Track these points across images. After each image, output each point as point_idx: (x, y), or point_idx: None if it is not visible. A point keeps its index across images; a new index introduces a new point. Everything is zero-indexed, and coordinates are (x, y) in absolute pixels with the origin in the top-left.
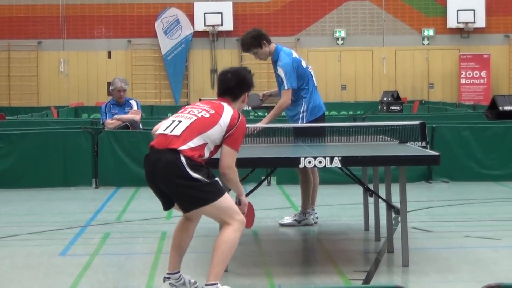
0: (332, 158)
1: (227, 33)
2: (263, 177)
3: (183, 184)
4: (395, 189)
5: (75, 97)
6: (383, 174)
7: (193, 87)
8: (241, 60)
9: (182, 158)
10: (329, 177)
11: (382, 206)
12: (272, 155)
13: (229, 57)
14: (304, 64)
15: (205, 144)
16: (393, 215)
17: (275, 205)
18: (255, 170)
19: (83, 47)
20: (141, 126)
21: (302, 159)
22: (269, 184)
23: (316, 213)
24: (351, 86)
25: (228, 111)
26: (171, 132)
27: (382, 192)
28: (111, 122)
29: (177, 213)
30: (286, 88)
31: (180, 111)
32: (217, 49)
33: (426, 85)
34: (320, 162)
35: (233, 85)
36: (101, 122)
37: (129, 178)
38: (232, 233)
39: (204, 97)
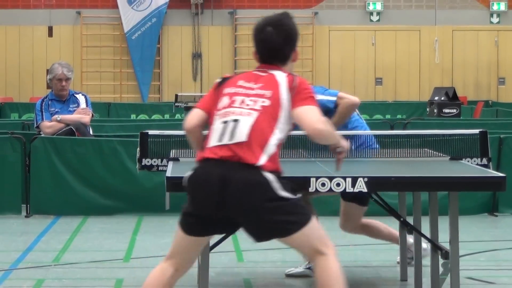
0: (355, 180)
1: (216, 4)
2: None
3: (268, 207)
4: (444, 224)
5: (1, 90)
6: (427, 203)
7: (167, 78)
8: (236, 41)
9: (265, 174)
10: None
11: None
12: None
13: (218, 36)
14: None
15: (279, 144)
16: (441, 260)
17: (277, 244)
18: None
19: (13, 19)
20: (91, 132)
21: (313, 180)
22: None
23: None
24: (390, 80)
25: (282, 78)
26: (230, 139)
27: (425, 228)
28: (49, 125)
29: (137, 254)
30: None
31: (225, 104)
32: (202, 25)
33: (495, 79)
34: (338, 184)
35: (280, 42)
36: (35, 125)
37: (73, 204)
38: (335, 265)
39: (183, 92)
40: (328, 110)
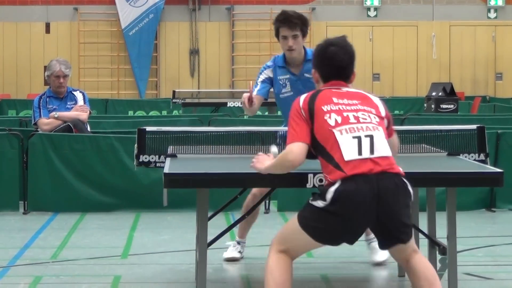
0: None
1: (213, 0)
2: (258, 201)
3: (408, 212)
4: (442, 220)
5: None
6: (424, 199)
7: (164, 75)
8: (233, 37)
9: (404, 179)
10: None
11: (423, 243)
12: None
13: (216, 32)
14: None
15: None
16: (438, 256)
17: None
18: (245, 191)
19: (11, 16)
20: (89, 128)
21: (310, 176)
22: (267, 211)
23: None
24: (387, 76)
25: (376, 100)
26: (372, 154)
27: (423, 223)
28: (47, 122)
29: (135, 250)
30: None
31: (339, 120)
32: (199, 22)
33: (493, 75)
34: None
35: (347, 61)
36: (33, 122)
37: (71, 201)
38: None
39: (181, 88)
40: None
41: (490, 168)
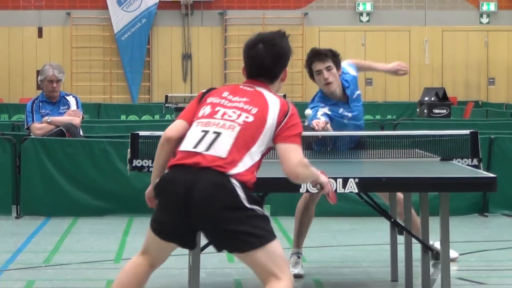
0: (346, 180)
1: (206, 4)
2: None
3: (235, 217)
4: (435, 224)
5: None
6: (418, 204)
7: (157, 79)
8: (225, 42)
9: (234, 181)
10: (344, 206)
11: (417, 247)
12: (263, 174)
13: (208, 37)
14: None
15: (258, 162)
16: (432, 261)
17: None
18: None
19: (3, 20)
20: (82, 133)
21: None
22: None
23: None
24: (379, 81)
25: (273, 102)
26: (207, 150)
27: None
28: (40, 127)
29: (128, 254)
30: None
31: (206, 112)
32: (191, 27)
33: (485, 80)
34: None
35: (268, 61)
36: (25, 126)
37: (63, 205)
38: None
39: (173, 93)
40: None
41: (483, 173)
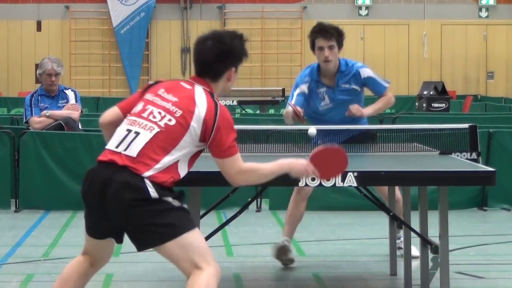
0: (344, 174)
1: None
2: (249, 199)
3: (145, 211)
4: (434, 218)
5: None
6: (416, 198)
7: (156, 73)
8: None
9: (148, 182)
10: (343, 200)
11: (415, 241)
12: None
13: (207, 30)
14: None
15: (177, 162)
16: (430, 255)
17: (267, 238)
18: (238, 189)
19: (2, 14)
20: (80, 126)
21: None
22: (258, 209)
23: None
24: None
25: (201, 105)
26: (125, 150)
27: (415, 222)
28: (38, 121)
29: (128, 248)
30: (387, 85)
31: (137, 110)
32: (190, 20)
33: (484, 74)
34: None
35: (212, 58)
36: (24, 120)
37: (62, 199)
38: (208, 280)
39: None
40: (357, 93)
41: (482, 167)
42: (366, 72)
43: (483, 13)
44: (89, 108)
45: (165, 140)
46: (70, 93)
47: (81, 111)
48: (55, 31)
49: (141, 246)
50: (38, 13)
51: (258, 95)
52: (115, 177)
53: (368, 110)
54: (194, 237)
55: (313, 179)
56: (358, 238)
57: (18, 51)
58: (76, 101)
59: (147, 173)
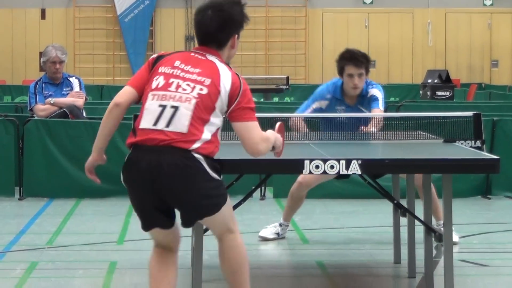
0: (349, 162)
1: None
2: (253, 187)
3: (201, 184)
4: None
5: None
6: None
7: None
8: None
9: (198, 156)
10: (347, 188)
11: (420, 229)
12: (266, 156)
13: None
14: None
15: (217, 129)
16: (435, 243)
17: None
18: (242, 177)
19: (6, 2)
20: (84, 114)
21: (306, 162)
22: (262, 197)
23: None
24: (383, 63)
25: (225, 75)
26: (167, 126)
27: (419, 210)
28: (43, 108)
29: (131, 236)
30: (382, 108)
31: (160, 84)
32: (195, 8)
33: (488, 62)
34: (332, 167)
35: (214, 28)
36: (28, 108)
37: (66, 187)
38: (241, 244)
39: None
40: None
41: (486, 155)
42: (373, 91)
43: (488, 1)
44: (93, 96)
45: (203, 109)
46: (74, 81)
47: (86, 99)
48: (59, 19)
49: (194, 219)
50: (42, 1)
51: (262, 83)
52: (164, 157)
53: (373, 129)
54: (229, 205)
55: (316, 167)
56: (362, 226)
57: (22, 39)
58: (80, 89)
59: (195, 145)
